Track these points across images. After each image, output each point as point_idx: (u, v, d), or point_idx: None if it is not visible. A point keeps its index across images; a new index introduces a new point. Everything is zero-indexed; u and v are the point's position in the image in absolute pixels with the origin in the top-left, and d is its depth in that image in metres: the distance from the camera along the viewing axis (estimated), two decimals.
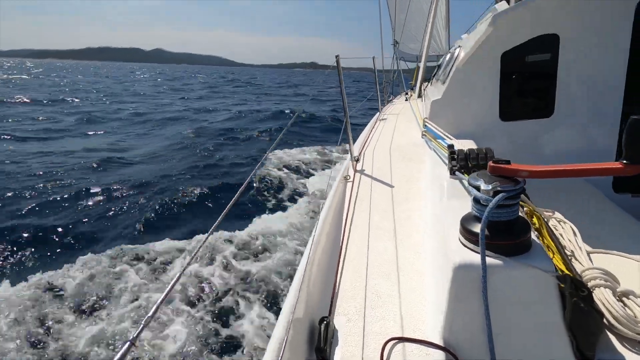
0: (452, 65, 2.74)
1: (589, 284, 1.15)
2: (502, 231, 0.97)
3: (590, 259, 1.39)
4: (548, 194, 2.23)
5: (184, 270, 0.93)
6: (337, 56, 2.30)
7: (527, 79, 2.49)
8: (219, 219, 1.12)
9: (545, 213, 1.54)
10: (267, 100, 28.31)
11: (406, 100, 6.10)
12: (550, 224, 1.53)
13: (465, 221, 1.06)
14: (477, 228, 1.01)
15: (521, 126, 2.48)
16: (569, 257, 1.35)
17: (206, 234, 1.21)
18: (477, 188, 1.01)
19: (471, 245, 1.02)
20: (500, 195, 0.94)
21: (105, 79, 58.26)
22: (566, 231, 1.57)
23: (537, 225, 1.40)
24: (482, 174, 1.05)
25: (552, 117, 2.41)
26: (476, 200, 1.02)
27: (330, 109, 20.51)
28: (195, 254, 1.03)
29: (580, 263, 1.34)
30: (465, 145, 2.17)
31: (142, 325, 0.70)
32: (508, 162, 1.01)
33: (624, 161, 0.85)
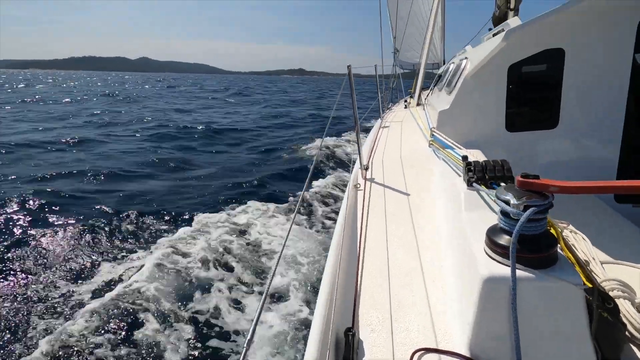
0: (459, 76, 2.79)
1: (610, 294, 1.18)
2: (530, 244, 1.00)
3: (604, 270, 1.43)
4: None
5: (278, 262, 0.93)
6: (348, 66, 2.33)
7: (532, 91, 2.56)
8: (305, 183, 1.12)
9: (560, 225, 1.57)
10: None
11: (405, 107, 6.16)
12: (563, 234, 1.56)
13: (492, 233, 1.08)
14: (504, 240, 1.03)
15: (527, 137, 2.53)
16: (588, 268, 1.38)
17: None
18: (506, 202, 1.03)
19: (499, 258, 1.04)
20: (531, 209, 0.97)
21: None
22: (579, 242, 1.61)
23: (554, 235, 1.42)
24: (510, 187, 1.08)
25: (556, 128, 2.47)
26: (504, 214, 1.04)
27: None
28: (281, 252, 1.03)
29: (596, 274, 1.38)
30: (473, 155, 2.22)
31: (253, 324, 0.69)
32: (537, 177, 1.04)
33: None
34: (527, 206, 0.98)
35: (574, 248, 1.50)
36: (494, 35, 3.01)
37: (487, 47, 2.56)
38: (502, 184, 1.49)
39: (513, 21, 2.51)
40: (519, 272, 0.97)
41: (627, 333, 1.09)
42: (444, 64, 9.79)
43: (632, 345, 1.09)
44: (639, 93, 2.35)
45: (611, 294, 1.18)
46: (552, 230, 1.45)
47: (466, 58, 2.96)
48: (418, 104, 5.94)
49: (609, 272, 1.46)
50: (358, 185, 2.29)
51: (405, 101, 6.63)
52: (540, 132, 2.52)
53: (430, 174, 2.33)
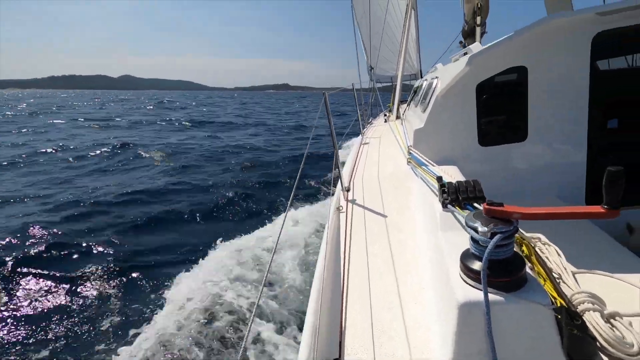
0: (431, 95, 2.89)
1: (579, 308, 1.24)
2: (500, 269, 1.06)
3: (576, 280, 1.50)
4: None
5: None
6: (324, 93, 2.40)
7: (501, 107, 2.68)
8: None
9: (532, 240, 1.64)
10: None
11: (385, 121, 6.29)
12: (536, 248, 1.63)
13: (465, 259, 1.14)
14: (476, 266, 1.09)
15: (499, 150, 2.64)
16: (558, 281, 1.45)
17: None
18: (475, 229, 1.09)
19: (472, 283, 1.10)
20: (497, 237, 1.03)
21: None
22: (551, 253, 1.68)
23: (526, 253, 1.49)
24: (478, 215, 1.14)
25: (526, 140, 2.59)
26: (474, 240, 1.11)
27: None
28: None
29: (568, 286, 1.44)
30: (449, 172, 2.30)
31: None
32: (501, 204, 1.10)
33: (605, 206, 0.95)
34: (493, 233, 1.04)
35: (546, 261, 1.57)
36: (463, 55, 3.16)
37: (455, 68, 2.68)
38: (475, 206, 1.56)
39: (475, 46, 2.65)
40: (491, 297, 1.03)
41: (598, 344, 1.15)
42: (421, 74, 10.08)
43: (603, 357, 1.15)
44: (598, 98, 2.51)
45: (581, 307, 1.25)
46: (524, 247, 1.52)
47: (437, 77, 3.08)
48: (397, 117, 6.08)
49: (581, 282, 1.53)
50: (340, 208, 2.33)
51: (385, 115, 6.77)
52: (512, 145, 2.63)
53: (409, 192, 2.40)
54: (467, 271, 1.11)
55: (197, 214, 7.77)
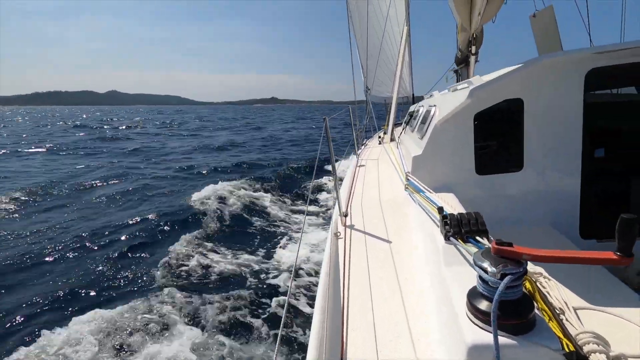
0: (429, 123, 2.93)
1: (585, 349, 1.23)
2: (509, 311, 1.04)
3: (578, 317, 1.49)
4: (514, 239, 2.38)
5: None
6: (325, 118, 2.41)
7: (498, 137, 2.73)
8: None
9: (534, 275, 1.64)
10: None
11: (380, 143, 6.35)
12: (537, 284, 1.63)
13: (473, 298, 1.12)
14: (484, 306, 1.08)
15: (496, 179, 2.68)
16: (561, 318, 1.44)
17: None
18: (484, 269, 1.08)
19: (480, 324, 1.08)
20: (508, 278, 1.02)
21: None
22: (552, 289, 1.67)
23: (529, 289, 1.49)
24: (486, 253, 1.13)
25: (522, 170, 2.63)
26: (482, 280, 1.09)
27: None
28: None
29: (571, 324, 1.43)
30: (447, 200, 2.31)
31: None
32: (510, 244, 1.10)
33: (618, 253, 0.95)
34: (503, 274, 1.03)
35: (548, 297, 1.57)
36: (460, 85, 3.24)
37: (454, 98, 2.73)
38: (477, 239, 1.56)
39: (475, 79, 2.72)
40: (501, 340, 1.01)
41: None
42: (413, 97, 10.27)
43: None
44: (591, 129, 2.60)
45: (587, 347, 1.24)
46: (527, 284, 1.52)
47: (435, 105, 3.13)
48: (392, 140, 6.14)
49: (583, 319, 1.53)
50: (338, 234, 2.31)
51: (379, 137, 6.84)
52: (508, 174, 2.67)
53: (408, 219, 2.40)
54: (475, 311, 1.10)
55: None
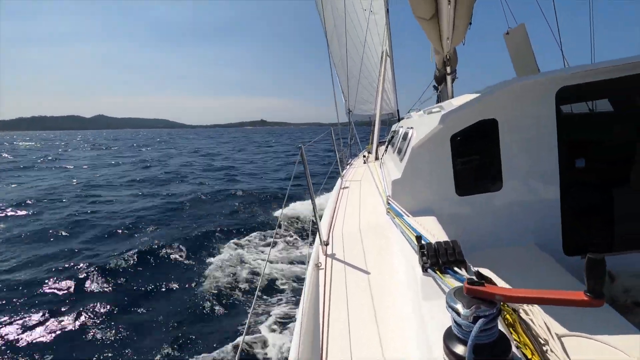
0: (407, 146, 2.94)
1: None
2: (485, 354, 1.00)
3: (562, 345, 1.45)
4: (497, 260, 2.37)
5: None
6: (300, 147, 2.39)
7: (475, 157, 2.74)
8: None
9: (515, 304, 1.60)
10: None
11: (364, 162, 6.36)
12: (520, 312, 1.59)
13: (448, 340, 1.08)
14: (460, 350, 1.03)
15: (477, 199, 2.67)
16: (545, 348, 1.39)
17: None
18: (457, 312, 1.04)
19: None
20: (481, 321, 0.98)
21: None
22: (535, 315, 1.63)
23: (510, 320, 1.44)
24: (459, 293, 1.09)
25: (502, 188, 2.63)
26: (457, 322, 1.05)
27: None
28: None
29: (555, 355, 1.39)
30: (427, 225, 2.29)
31: None
32: (482, 283, 1.06)
33: (588, 294, 0.92)
34: (476, 317, 0.99)
35: (530, 324, 1.53)
36: (436, 108, 3.27)
37: (430, 121, 2.75)
38: (455, 270, 1.53)
39: (447, 104, 2.75)
40: None
41: None
42: (398, 113, 10.41)
43: None
44: (567, 141, 2.64)
45: None
46: (507, 315, 1.48)
47: (412, 128, 3.15)
48: (376, 158, 6.16)
49: (567, 346, 1.49)
50: (319, 265, 2.25)
51: (364, 156, 6.86)
52: (489, 193, 2.67)
53: (390, 247, 2.36)
54: (451, 354, 1.05)
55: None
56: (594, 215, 3.27)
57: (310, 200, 2.47)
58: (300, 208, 10.81)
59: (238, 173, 22.07)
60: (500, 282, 1.94)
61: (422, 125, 2.94)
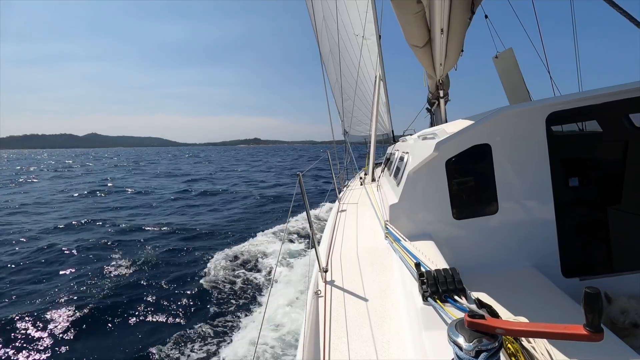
0: (404, 170, 2.98)
1: None
2: None
3: None
4: (497, 284, 2.39)
5: None
6: (298, 174, 2.41)
7: (471, 181, 2.79)
8: None
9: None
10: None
11: (361, 184, 6.39)
12: (521, 340, 1.59)
13: None
14: None
15: (474, 222, 2.70)
16: None
17: None
18: (458, 345, 1.05)
19: None
20: (483, 355, 0.99)
21: None
22: (536, 342, 1.64)
23: (512, 350, 1.45)
24: (460, 326, 1.10)
25: (498, 211, 2.67)
26: (459, 357, 1.06)
27: None
28: None
29: None
30: (425, 250, 2.30)
31: None
32: (482, 316, 1.08)
33: (588, 328, 0.94)
34: (478, 351, 1.00)
35: (533, 351, 1.53)
36: (429, 135, 3.34)
37: (425, 147, 2.81)
38: (455, 299, 1.54)
39: (440, 132, 2.82)
40: None
41: None
42: (392, 134, 10.55)
43: None
44: (557, 158, 2.72)
45: None
46: (509, 345, 1.48)
47: (407, 152, 3.20)
48: (373, 180, 6.21)
49: None
50: (319, 292, 2.24)
51: (361, 177, 6.91)
52: (486, 217, 2.71)
53: (390, 273, 2.36)
54: None
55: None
56: (590, 234, 3.30)
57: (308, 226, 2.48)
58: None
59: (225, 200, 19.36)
60: (499, 308, 1.95)
61: (417, 149, 3.00)
